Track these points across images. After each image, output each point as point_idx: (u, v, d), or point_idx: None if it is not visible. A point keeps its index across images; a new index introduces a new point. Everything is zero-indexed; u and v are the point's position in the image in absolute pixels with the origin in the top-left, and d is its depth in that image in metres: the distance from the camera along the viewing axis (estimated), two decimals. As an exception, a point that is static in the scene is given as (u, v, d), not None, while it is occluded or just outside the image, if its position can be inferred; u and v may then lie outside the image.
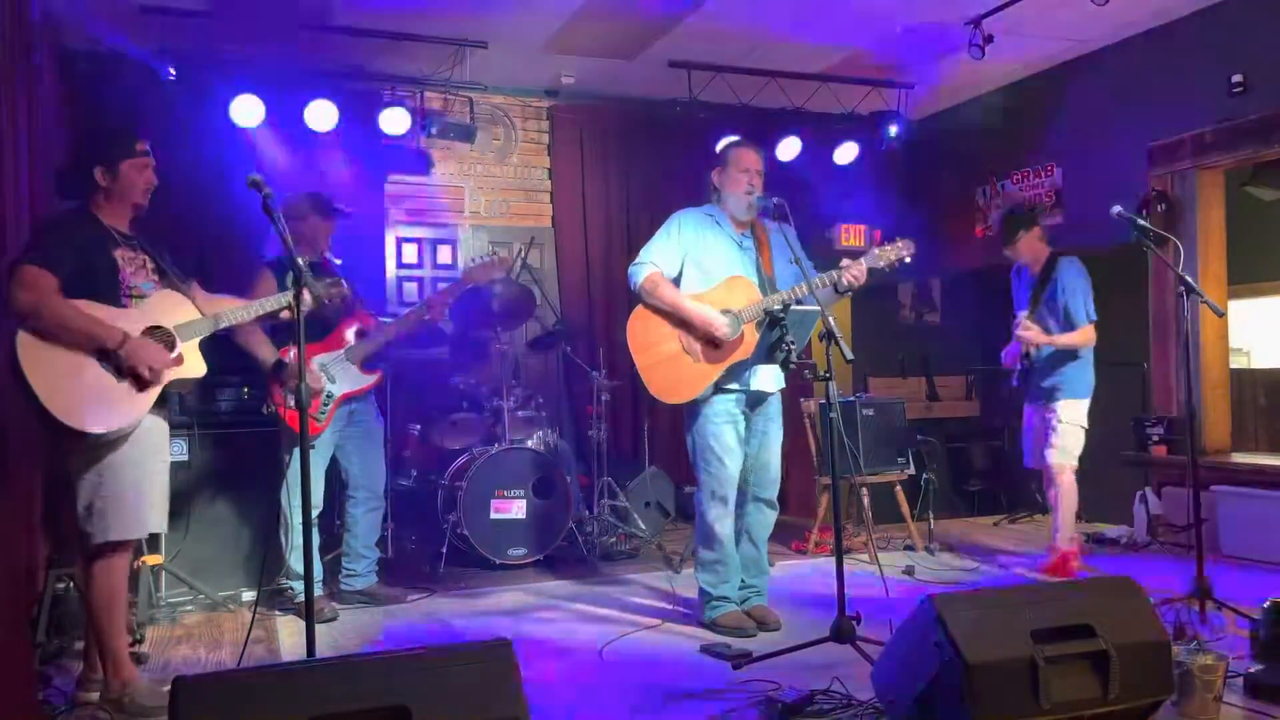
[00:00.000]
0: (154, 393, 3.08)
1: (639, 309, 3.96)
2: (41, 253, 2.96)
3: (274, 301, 3.37)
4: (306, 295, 3.30)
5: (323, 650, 3.25)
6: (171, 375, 3.12)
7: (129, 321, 3.06)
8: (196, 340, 3.21)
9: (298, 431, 4.10)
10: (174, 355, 3.12)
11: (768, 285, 3.92)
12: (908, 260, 3.87)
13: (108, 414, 2.98)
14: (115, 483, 3.05)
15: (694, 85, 6.32)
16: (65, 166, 3.23)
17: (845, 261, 3.80)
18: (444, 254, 6.80)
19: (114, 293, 3.08)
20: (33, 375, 2.89)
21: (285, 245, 3.02)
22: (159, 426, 3.22)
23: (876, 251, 3.85)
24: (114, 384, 3.01)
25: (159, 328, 3.13)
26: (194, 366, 3.20)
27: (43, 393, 2.89)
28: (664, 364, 3.87)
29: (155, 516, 3.20)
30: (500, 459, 5.15)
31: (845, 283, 3.78)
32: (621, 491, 5.79)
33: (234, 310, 3.32)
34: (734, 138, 4.28)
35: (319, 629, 3.03)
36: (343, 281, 3.81)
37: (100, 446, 3.03)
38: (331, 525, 4.75)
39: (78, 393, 2.94)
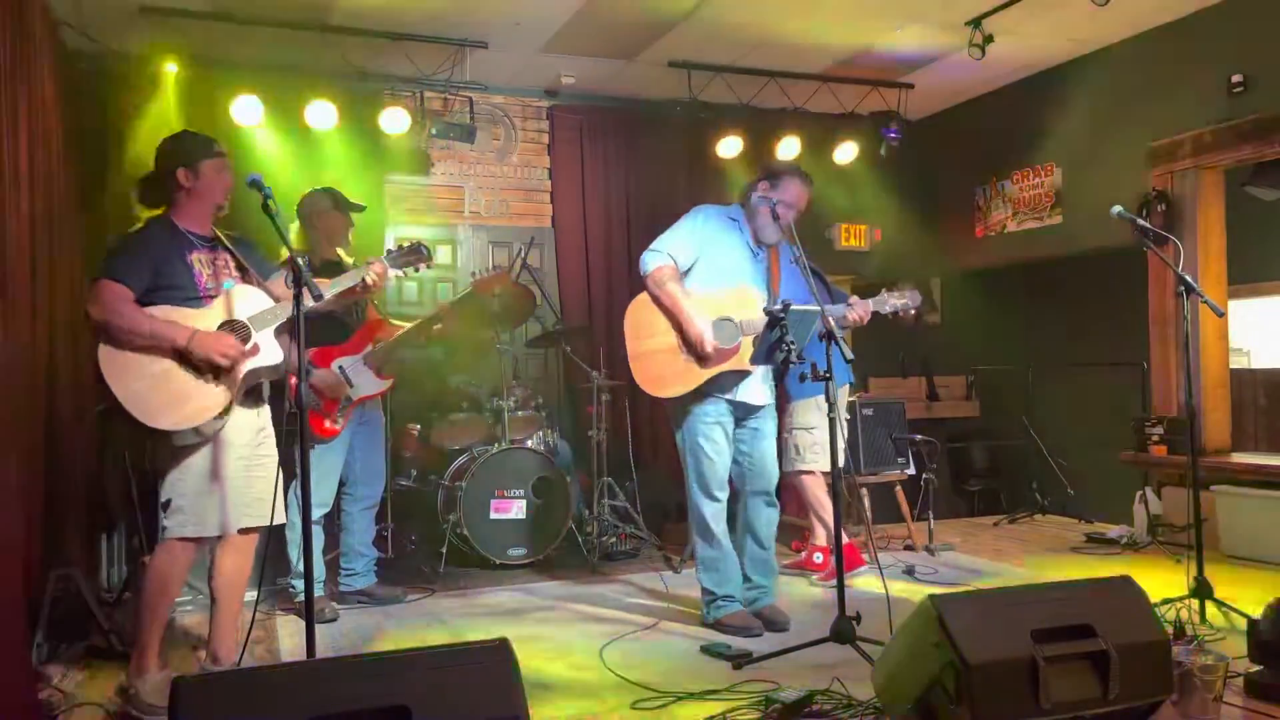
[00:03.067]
0: (232, 387, 3.15)
1: (642, 296, 3.96)
2: (115, 266, 3.10)
3: (350, 278, 3.47)
4: (372, 274, 3.43)
5: (323, 650, 3.26)
6: (248, 366, 3.19)
7: (203, 320, 3.16)
8: (272, 328, 3.27)
9: (316, 432, 4.17)
10: (249, 346, 3.19)
11: (772, 299, 3.94)
12: (912, 312, 4.10)
13: (189, 412, 3.09)
14: (191, 482, 3.17)
15: (694, 85, 6.31)
16: (147, 175, 3.36)
17: (853, 299, 3.98)
18: (444, 254, 6.79)
19: (192, 296, 3.19)
20: (115, 384, 3.03)
21: (285, 244, 3.06)
22: (245, 424, 3.28)
23: (885, 295, 4.06)
24: (195, 383, 3.10)
25: (232, 321, 3.21)
26: (270, 354, 3.26)
27: (126, 399, 3.03)
28: (655, 355, 3.90)
29: (237, 515, 3.25)
30: (500, 459, 5.15)
31: (850, 320, 3.98)
32: (621, 491, 5.79)
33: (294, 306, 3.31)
34: (793, 167, 4.26)
35: (319, 629, 3.03)
36: (422, 247, 3.71)
37: (184, 446, 3.14)
38: (333, 525, 4.75)
39: (160, 395, 3.06)
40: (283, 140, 5.80)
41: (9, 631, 2.92)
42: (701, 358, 3.84)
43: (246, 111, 5.53)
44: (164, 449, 3.16)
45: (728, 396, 3.92)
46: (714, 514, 3.96)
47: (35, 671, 3.30)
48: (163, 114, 5.29)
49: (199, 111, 5.51)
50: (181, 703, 1.89)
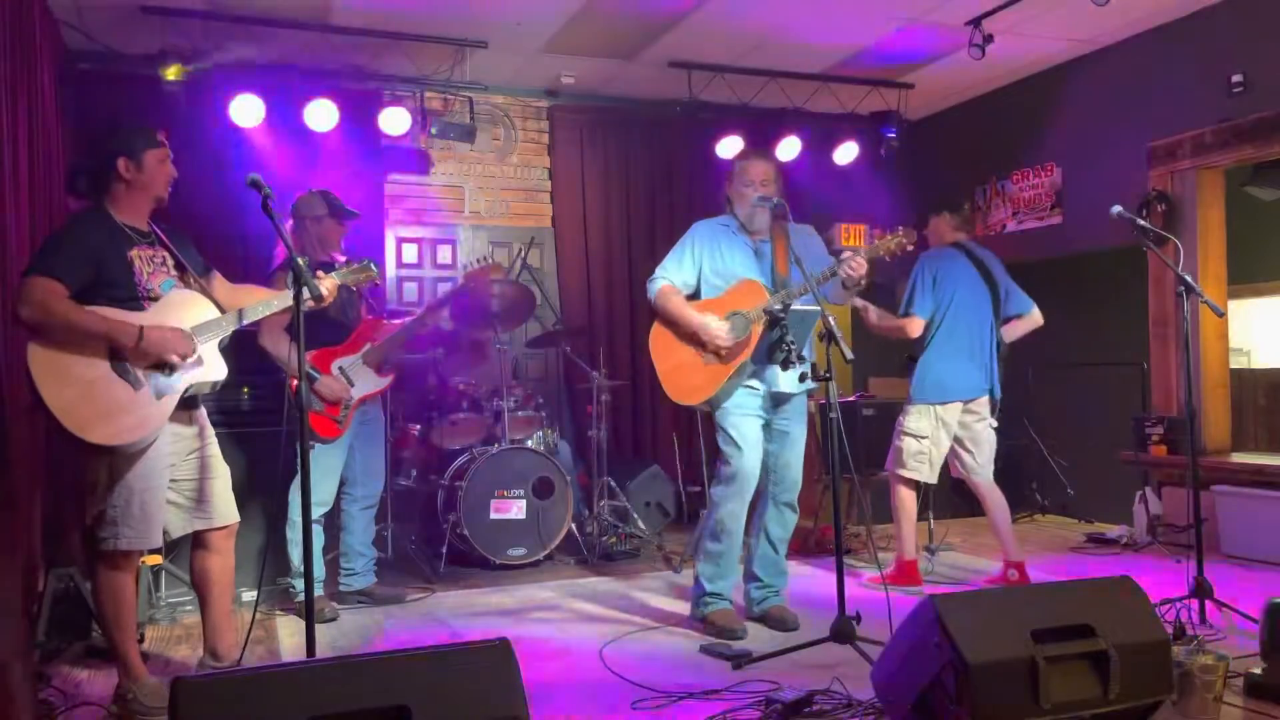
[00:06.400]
0: (172, 401, 3.02)
1: (658, 321, 4.05)
2: (50, 262, 2.89)
3: (279, 301, 3.27)
4: (325, 288, 3.29)
5: (323, 650, 3.26)
6: (190, 379, 3.06)
7: (143, 323, 2.99)
8: (216, 341, 3.14)
9: (321, 432, 4.17)
10: (190, 362, 3.05)
11: (780, 287, 3.92)
12: (909, 248, 3.79)
13: (125, 426, 2.92)
14: (126, 493, 3.01)
15: (694, 85, 6.32)
16: (83, 163, 3.16)
17: (845, 254, 3.76)
18: (444, 254, 6.80)
19: (131, 296, 3.01)
20: (46, 389, 2.84)
21: (285, 244, 3.03)
22: (175, 436, 3.14)
23: (876, 242, 3.81)
24: (131, 395, 2.94)
25: (178, 330, 3.06)
26: (214, 369, 3.13)
27: (57, 406, 2.84)
28: (680, 369, 3.95)
29: (189, 520, 3.19)
30: (500, 459, 5.15)
31: (844, 275, 3.73)
32: (621, 491, 5.79)
33: (256, 306, 3.23)
34: (743, 149, 4.32)
35: (319, 629, 3.03)
36: (372, 265, 3.64)
37: (117, 457, 2.99)
38: (333, 525, 4.75)
39: (93, 405, 2.88)
40: (283, 140, 5.81)
41: (9, 631, 2.92)
42: (719, 354, 3.86)
43: (246, 111, 5.54)
44: (96, 458, 2.99)
45: (761, 387, 3.93)
46: (732, 512, 3.92)
47: (35, 671, 3.30)
48: (162, 114, 5.28)
49: (199, 111, 5.52)
50: (181, 703, 1.89)
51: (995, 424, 4.70)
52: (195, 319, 3.11)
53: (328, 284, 3.36)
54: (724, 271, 3.99)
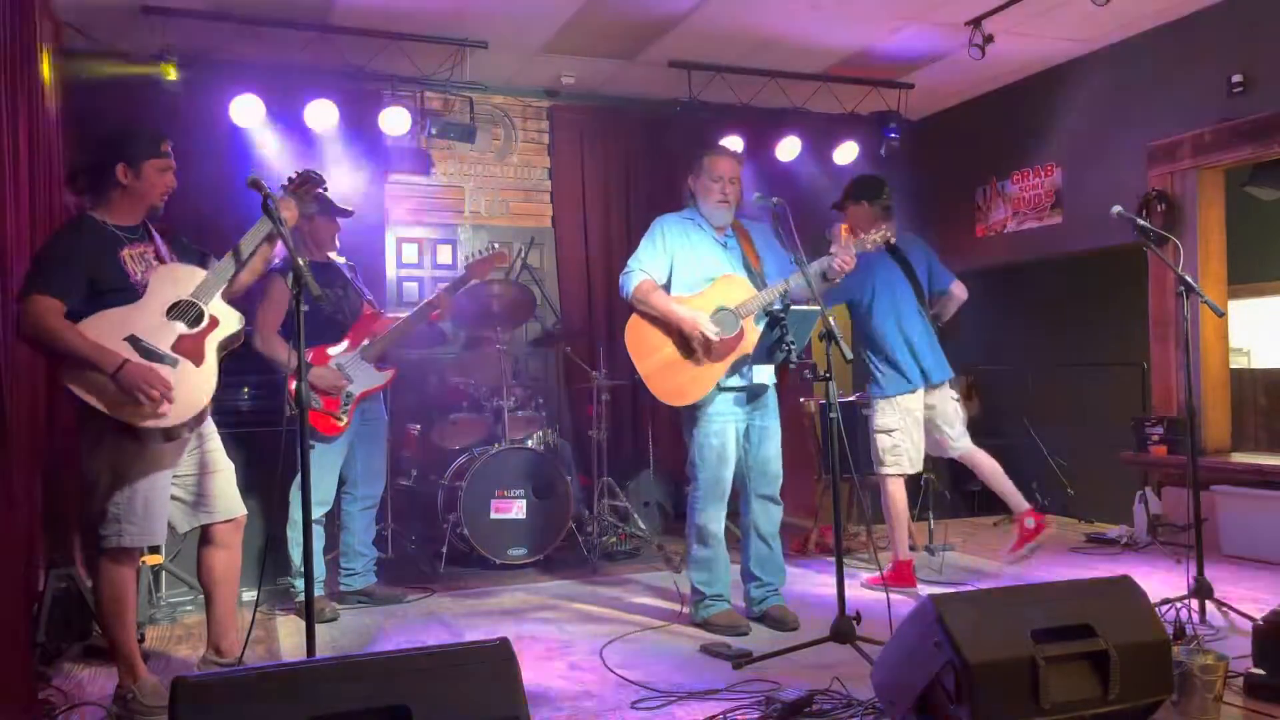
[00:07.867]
0: (211, 374, 3.05)
1: (635, 316, 3.99)
2: (46, 279, 2.92)
3: (261, 227, 3.18)
4: (285, 215, 3.21)
5: (323, 650, 3.26)
6: (216, 338, 3.09)
7: (144, 315, 3.01)
8: (219, 293, 3.14)
9: (321, 430, 4.17)
10: (206, 324, 3.08)
11: (758, 280, 3.97)
12: (892, 241, 3.98)
13: (174, 408, 2.97)
14: (129, 491, 3.03)
15: (694, 85, 6.31)
16: (84, 162, 3.15)
17: (834, 248, 3.85)
18: (444, 254, 6.80)
19: (127, 297, 3.03)
20: (84, 392, 2.90)
21: (286, 244, 3.02)
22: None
23: (863, 236, 3.92)
24: (169, 373, 2.97)
25: (179, 302, 3.06)
26: (229, 322, 3.15)
27: (104, 403, 2.89)
28: (665, 368, 3.90)
29: (193, 515, 3.23)
30: (500, 459, 5.15)
31: (835, 268, 3.82)
32: (621, 491, 5.79)
33: (245, 240, 3.18)
34: (708, 145, 4.35)
35: (319, 629, 3.03)
36: (310, 172, 3.54)
37: (122, 456, 3.01)
38: (333, 525, 4.75)
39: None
40: (283, 140, 5.81)
41: (9, 631, 2.92)
42: (708, 352, 3.84)
43: (246, 111, 5.54)
44: (97, 458, 3.02)
45: (744, 383, 3.93)
46: (713, 518, 3.97)
47: (35, 671, 3.30)
48: (163, 114, 5.28)
49: (199, 111, 5.52)
50: (181, 703, 1.89)
51: (957, 396, 4.73)
52: (190, 286, 3.11)
53: (287, 212, 3.26)
54: (696, 266, 3.97)
